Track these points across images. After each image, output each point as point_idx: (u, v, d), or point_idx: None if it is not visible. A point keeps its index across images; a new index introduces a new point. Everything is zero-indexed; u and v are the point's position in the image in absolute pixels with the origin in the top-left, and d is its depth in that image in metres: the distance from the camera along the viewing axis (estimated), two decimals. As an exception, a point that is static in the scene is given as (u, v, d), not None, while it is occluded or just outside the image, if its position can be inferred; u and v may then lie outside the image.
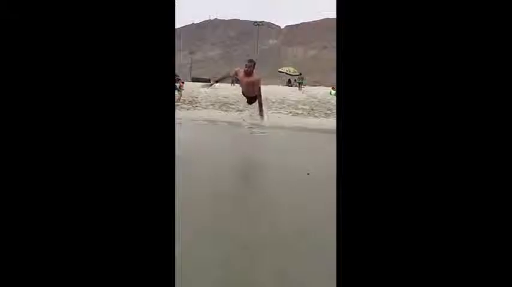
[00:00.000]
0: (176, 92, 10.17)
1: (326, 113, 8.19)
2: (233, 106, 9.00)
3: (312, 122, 7.05)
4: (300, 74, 19.88)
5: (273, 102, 9.93)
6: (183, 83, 10.97)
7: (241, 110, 8.25)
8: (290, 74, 21.17)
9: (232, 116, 7.44)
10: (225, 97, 10.52)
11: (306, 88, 16.61)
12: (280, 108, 8.87)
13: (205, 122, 6.22)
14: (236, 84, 18.01)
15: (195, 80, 20.42)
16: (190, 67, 26.72)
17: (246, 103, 4.34)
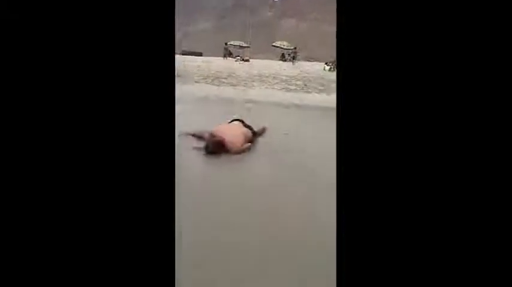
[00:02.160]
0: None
1: (319, 89, 8.14)
2: (226, 80, 8.86)
3: (304, 97, 7.01)
4: (295, 48, 19.50)
5: (267, 77, 9.80)
6: None
7: (234, 85, 8.15)
8: (284, 48, 20.77)
9: (225, 91, 7.34)
10: (218, 71, 10.32)
11: (299, 63, 16.37)
12: (273, 83, 8.76)
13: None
14: (229, 58, 17.61)
15: (186, 53, 19.88)
16: (181, 40, 25.92)
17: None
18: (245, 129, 3.30)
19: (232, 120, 3.49)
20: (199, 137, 3.29)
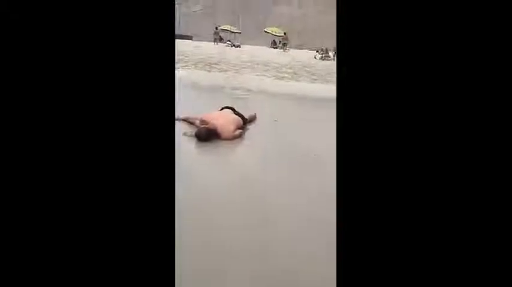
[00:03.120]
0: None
1: (310, 78, 8.14)
2: (216, 66, 8.74)
3: (294, 85, 7.01)
4: (285, 33, 19.32)
5: (257, 64, 9.71)
6: None
7: (225, 70, 8.06)
8: (275, 35, 20.55)
9: (216, 76, 7.25)
10: (209, 56, 10.16)
11: (291, 51, 16.25)
12: (264, 71, 8.71)
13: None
14: (219, 43, 17.30)
15: (176, 37, 19.41)
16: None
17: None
18: (236, 117, 3.31)
19: (223, 108, 3.49)
20: (190, 123, 3.28)
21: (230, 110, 3.42)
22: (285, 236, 1.62)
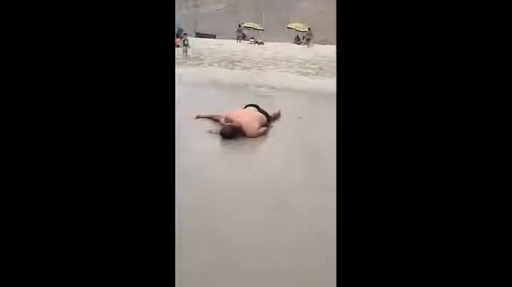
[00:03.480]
0: (183, 48, 9.87)
1: (334, 73, 7.95)
2: (239, 64, 8.76)
3: (319, 82, 6.87)
4: (309, 29, 19.01)
5: (280, 60, 9.63)
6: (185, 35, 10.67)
7: (248, 68, 8.05)
8: (299, 30, 20.28)
9: (239, 74, 7.27)
10: (232, 54, 10.21)
11: (314, 46, 15.99)
12: (288, 67, 8.62)
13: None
14: (243, 41, 17.35)
15: (200, 35, 19.67)
16: (195, 21, 25.61)
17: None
18: (260, 114, 3.29)
19: (247, 106, 3.48)
20: (215, 120, 3.30)
21: (254, 108, 3.41)
22: (311, 234, 1.59)
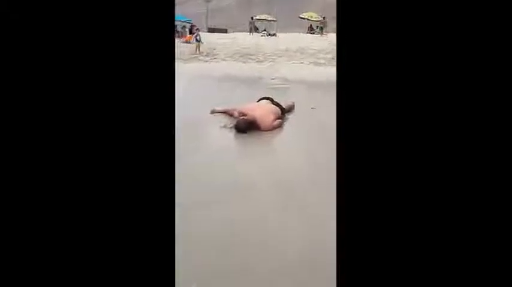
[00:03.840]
0: (195, 43, 9.91)
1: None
2: (252, 57, 8.71)
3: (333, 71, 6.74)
4: (324, 18, 18.60)
5: (294, 52, 9.49)
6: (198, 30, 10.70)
7: (261, 61, 8.00)
8: (312, 20, 19.88)
9: (253, 67, 7.23)
10: (245, 47, 10.15)
11: (329, 35, 15.65)
12: (301, 58, 8.49)
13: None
14: (255, 33, 17.22)
15: (211, 30, 19.67)
16: (206, 17, 25.59)
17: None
18: (274, 107, 3.27)
19: (261, 99, 3.46)
20: (229, 115, 3.30)
21: (268, 101, 3.38)
22: (328, 229, 1.57)
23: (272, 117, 3.09)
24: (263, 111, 3.07)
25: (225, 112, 3.39)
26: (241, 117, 3.01)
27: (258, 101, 3.43)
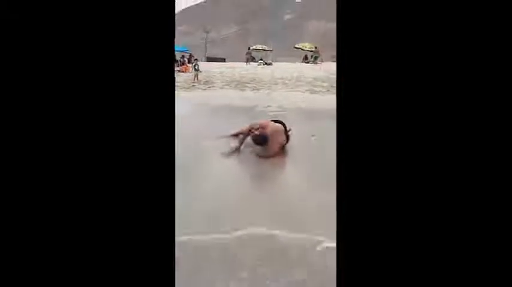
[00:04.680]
0: (194, 72, 10.13)
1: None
2: (249, 85, 8.87)
3: (330, 99, 6.85)
4: (316, 48, 19.26)
5: (289, 80, 9.71)
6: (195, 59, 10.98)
7: (257, 89, 8.14)
8: (306, 50, 20.59)
9: (249, 95, 7.34)
10: (242, 76, 10.39)
11: (324, 64, 16.14)
12: (297, 86, 8.66)
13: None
14: (251, 63, 17.73)
15: (210, 60, 20.25)
16: (205, 46, 26.45)
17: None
18: (283, 129, 3.26)
19: (273, 120, 3.44)
20: (245, 134, 3.23)
21: (280, 124, 3.37)
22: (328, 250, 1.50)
23: (282, 138, 3.13)
24: (276, 129, 3.12)
25: (240, 134, 3.32)
26: (259, 130, 3.03)
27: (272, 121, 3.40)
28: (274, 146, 3.03)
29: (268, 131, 3.04)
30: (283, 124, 3.37)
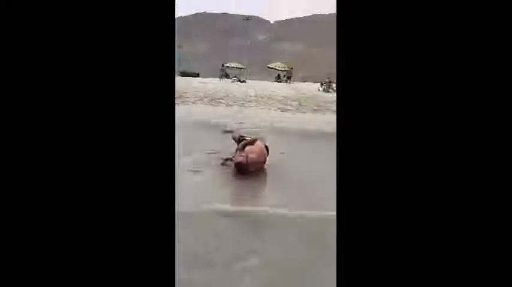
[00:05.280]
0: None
1: (314, 109, 8.22)
2: (222, 101, 8.93)
3: (299, 117, 7.06)
4: (291, 68, 19.90)
5: (262, 98, 9.91)
6: None
7: (230, 105, 8.21)
8: (279, 70, 21.18)
9: (222, 111, 7.38)
10: (215, 91, 10.43)
11: (295, 84, 16.65)
12: (269, 104, 8.85)
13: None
14: (225, 79, 17.87)
15: (184, 74, 20.16)
16: (179, 61, 26.38)
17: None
18: (264, 148, 3.29)
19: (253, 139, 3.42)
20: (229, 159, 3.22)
21: (261, 142, 3.38)
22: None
23: (263, 159, 3.18)
24: (260, 152, 3.15)
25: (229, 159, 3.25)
26: (245, 156, 3.00)
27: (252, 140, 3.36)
28: (252, 170, 3.03)
29: (253, 156, 3.03)
30: (267, 148, 3.37)
